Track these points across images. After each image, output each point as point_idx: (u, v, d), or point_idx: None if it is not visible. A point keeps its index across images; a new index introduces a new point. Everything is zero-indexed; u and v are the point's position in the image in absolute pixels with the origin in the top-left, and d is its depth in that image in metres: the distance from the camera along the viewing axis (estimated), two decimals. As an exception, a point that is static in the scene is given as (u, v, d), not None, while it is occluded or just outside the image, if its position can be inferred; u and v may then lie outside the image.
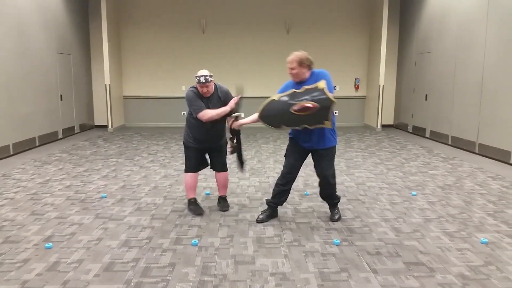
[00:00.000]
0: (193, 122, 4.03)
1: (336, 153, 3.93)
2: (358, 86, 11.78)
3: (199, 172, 5.28)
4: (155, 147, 8.20)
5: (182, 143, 4.27)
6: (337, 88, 11.52)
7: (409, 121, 10.52)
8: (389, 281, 2.84)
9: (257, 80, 11.28)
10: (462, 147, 8.02)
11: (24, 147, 7.65)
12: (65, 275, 2.91)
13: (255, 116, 3.77)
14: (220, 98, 4.00)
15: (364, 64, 11.74)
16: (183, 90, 11.04)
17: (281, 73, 3.77)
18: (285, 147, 4.03)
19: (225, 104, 3.97)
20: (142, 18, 11.25)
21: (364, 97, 11.87)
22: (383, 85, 10.72)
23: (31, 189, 5.10)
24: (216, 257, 3.21)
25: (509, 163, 6.60)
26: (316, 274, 2.94)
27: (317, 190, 4.95)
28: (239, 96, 3.95)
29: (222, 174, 4.27)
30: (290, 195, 4.31)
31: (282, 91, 3.72)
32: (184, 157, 4.33)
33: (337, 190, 4.04)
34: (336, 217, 4.00)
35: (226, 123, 4.05)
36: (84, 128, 10.57)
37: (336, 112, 11.53)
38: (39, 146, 8.18)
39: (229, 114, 3.98)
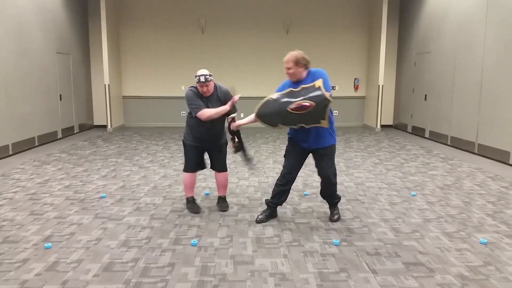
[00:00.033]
0: (193, 121, 4.04)
1: (336, 153, 3.93)
2: (357, 86, 11.78)
3: (199, 172, 5.27)
4: (154, 147, 8.20)
5: (182, 142, 4.27)
6: (337, 88, 11.54)
7: (409, 121, 10.52)
8: (388, 281, 2.84)
9: (256, 80, 11.29)
10: (461, 147, 8.03)
11: (23, 147, 7.65)
12: (64, 275, 2.90)
13: (252, 116, 3.78)
14: (219, 97, 4.01)
15: (363, 64, 11.74)
16: (182, 90, 11.04)
17: (281, 73, 3.77)
18: (285, 147, 4.03)
19: (224, 104, 3.98)
20: (141, 18, 11.25)
21: (363, 97, 11.88)
22: (382, 85, 10.73)
23: (30, 189, 5.10)
24: (216, 257, 3.21)
25: (509, 164, 6.61)
26: (316, 274, 2.94)
27: (317, 190, 4.97)
28: (238, 95, 3.95)
29: (221, 174, 4.27)
30: (289, 195, 4.31)
31: (279, 90, 3.73)
32: (183, 157, 4.33)
33: (336, 189, 4.04)
34: (336, 217, 4.00)
35: (226, 121, 4.06)
36: (84, 128, 10.56)
37: (335, 112, 11.62)
38: (38, 146, 8.17)
39: (228, 113, 4.00)
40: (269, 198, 4.05)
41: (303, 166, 4.03)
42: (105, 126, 10.82)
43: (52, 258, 3.16)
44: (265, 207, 4.11)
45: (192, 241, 3.46)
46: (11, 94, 7.27)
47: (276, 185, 3.95)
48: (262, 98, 3.76)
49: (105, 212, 4.24)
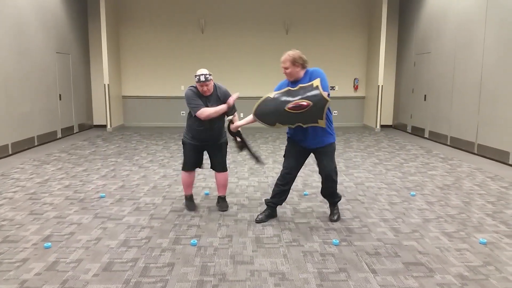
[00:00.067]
0: (192, 120, 4.06)
1: (336, 153, 3.93)
2: (357, 86, 11.79)
3: (199, 172, 5.27)
4: (154, 147, 8.20)
5: (181, 142, 4.28)
6: (336, 88, 11.55)
7: (408, 122, 10.53)
8: (388, 281, 2.84)
9: (256, 80, 11.29)
10: (461, 147, 8.03)
11: (23, 146, 7.65)
12: (64, 274, 2.90)
13: (251, 116, 3.79)
14: (219, 97, 4.02)
15: (363, 64, 11.75)
16: (182, 90, 11.04)
17: (280, 73, 3.77)
18: (284, 147, 4.03)
19: (223, 103, 3.98)
20: (141, 18, 11.25)
21: (363, 97, 11.88)
22: (382, 85, 10.73)
23: (30, 188, 5.10)
24: (215, 257, 3.21)
25: (508, 164, 6.61)
26: (315, 274, 2.94)
27: (316, 190, 4.97)
28: (237, 93, 3.96)
29: (221, 174, 4.27)
30: (289, 195, 4.31)
31: (277, 90, 3.74)
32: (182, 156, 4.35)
33: (337, 188, 4.04)
34: (335, 217, 4.00)
35: (225, 118, 4.07)
36: (83, 127, 10.56)
37: (335, 112, 11.62)
38: (38, 145, 8.17)
39: (227, 113, 4.01)
40: (269, 198, 4.05)
41: (303, 166, 4.03)
42: (104, 126, 10.82)
43: (52, 258, 3.15)
44: (264, 207, 4.11)
45: (191, 241, 3.46)
46: (11, 94, 7.27)
47: (276, 185, 3.95)
48: (261, 98, 3.76)
49: (104, 212, 4.24)
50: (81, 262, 3.10)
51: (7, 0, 7.19)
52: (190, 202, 4.39)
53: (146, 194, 4.91)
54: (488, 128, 7.19)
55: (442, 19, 8.82)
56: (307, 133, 3.69)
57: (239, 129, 3.99)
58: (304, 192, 4.94)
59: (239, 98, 4.03)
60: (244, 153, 4.19)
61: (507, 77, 6.67)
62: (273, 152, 7.57)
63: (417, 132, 9.98)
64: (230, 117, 4.01)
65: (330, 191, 3.94)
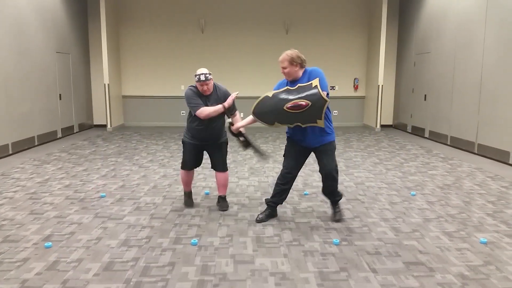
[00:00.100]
0: (192, 120, 4.07)
1: (336, 153, 3.92)
2: (357, 86, 11.79)
3: (199, 172, 5.28)
4: (154, 146, 8.20)
5: (181, 141, 4.29)
6: (336, 88, 11.55)
7: (408, 121, 10.53)
8: (388, 280, 2.84)
9: (256, 80, 11.29)
10: (461, 147, 8.03)
11: (23, 146, 7.65)
12: (65, 274, 2.90)
13: (250, 117, 3.79)
14: (218, 97, 4.04)
15: (363, 64, 11.75)
16: (182, 89, 11.04)
17: (280, 73, 3.77)
18: (284, 147, 4.02)
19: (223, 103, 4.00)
20: (141, 18, 11.25)
21: (363, 97, 11.88)
22: (382, 85, 10.74)
23: (30, 188, 5.09)
24: (216, 256, 3.21)
25: (508, 163, 6.61)
26: (316, 273, 2.94)
27: (316, 190, 4.98)
28: (236, 92, 3.96)
29: (222, 174, 4.27)
30: (289, 195, 4.31)
31: (276, 89, 3.74)
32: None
33: (337, 187, 4.03)
34: (337, 216, 3.99)
35: (226, 120, 4.07)
36: (83, 127, 10.56)
37: (335, 111, 11.61)
38: (38, 145, 8.17)
39: (228, 112, 4.02)
40: (269, 198, 4.05)
41: (303, 166, 4.03)
42: (104, 126, 10.82)
43: (52, 258, 3.15)
44: (265, 206, 4.11)
45: (192, 241, 3.46)
46: (11, 94, 7.27)
47: (277, 184, 3.95)
48: (260, 97, 3.76)
49: (105, 212, 4.24)
50: (82, 261, 3.10)
51: (7, 0, 7.19)
52: (188, 199, 4.47)
53: (146, 193, 4.91)
54: (488, 127, 7.19)
55: (442, 19, 8.82)
56: (306, 132, 3.69)
57: (241, 129, 3.98)
58: (305, 192, 4.94)
59: (239, 98, 4.03)
60: (249, 151, 4.18)
61: (507, 77, 6.67)
62: (273, 152, 7.56)
63: (417, 132, 9.98)
64: (230, 120, 4.02)
65: (330, 190, 3.93)
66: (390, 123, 11.61)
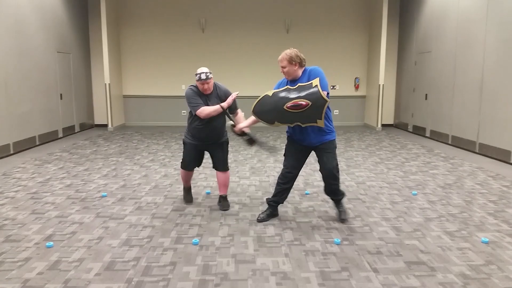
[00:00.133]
0: (193, 119, 4.07)
1: (337, 152, 3.92)
2: (358, 85, 11.78)
3: (200, 171, 5.28)
4: (155, 146, 8.20)
5: (182, 141, 4.29)
6: (337, 87, 11.55)
7: (409, 121, 10.52)
8: (389, 280, 2.84)
9: (257, 79, 11.29)
10: (462, 146, 8.02)
11: (24, 146, 7.65)
12: (66, 274, 2.91)
13: (252, 118, 3.79)
14: (219, 96, 4.05)
15: (364, 64, 11.74)
16: (183, 89, 11.04)
17: (281, 73, 3.77)
18: (284, 146, 4.02)
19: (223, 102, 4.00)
20: (141, 17, 11.25)
21: (364, 97, 11.88)
22: (383, 85, 10.73)
23: (31, 188, 5.10)
24: (217, 256, 3.21)
25: (509, 163, 6.60)
26: (317, 273, 2.94)
27: (317, 189, 4.98)
28: (236, 93, 3.96)
29: (223, 173, 4.27)
30: (290, 194, 4.31)
31: (276, 88, 3.73)
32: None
33: (339, 186, 4.02)
34: (343, 216, 3.95)
35: (228, 123, 4.07)
36: (84, 127, 10.57)
37: (336, 111, 11.60)
38: (39, 145, 8.17)
39: (230, 110, 4.03)
40: (270, 197, 4.05)
41: (304, 166, 4.02)
42: (105, 125, 10.82)
43: (54, 257, 3.16)
44: (266, 206, 4.11)
45: (193, 240, 3.47)
46: (12, 94, 7.27)
47: (277, 183, 3.95)
48: (260, 96, 3.76)
49: (106, 211, 4.24)
50: (83, 261, 3.10)
51: (8, 0, 7.19)
52: (187, 195, 4.56)
53: (147, 193, 4.91)
54: (489, 127, 7.18)
55: (443, 18, 8.81)
56: (306, 132, 3.69)
57: (244, 129, 3.97)
58: (306, 191, 4.94)
59: (239, 97, 4.03)
60: (255, 147, 4.18)
61: (507, 76, 6.66)
62: (274, 151, 7.56)
63: (418, 131, 9.97)
64: (232, 122, 4.01)
65: (332, 189, 3.91)
66: (391, 122, 11.60)
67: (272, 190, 4.43)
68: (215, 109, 3.91)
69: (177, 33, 11.31)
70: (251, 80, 11.30)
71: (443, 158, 7.10)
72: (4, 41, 7.07)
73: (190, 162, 4.27)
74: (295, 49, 3.63)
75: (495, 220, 4.02)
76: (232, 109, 4.11)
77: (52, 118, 8.81)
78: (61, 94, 9.23)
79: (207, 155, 4.35)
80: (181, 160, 4.39)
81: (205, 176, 5.64)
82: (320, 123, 3.53)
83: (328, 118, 3.68)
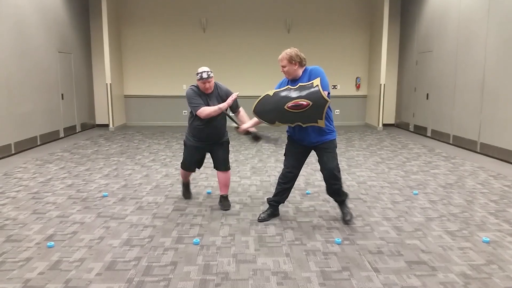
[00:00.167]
0: (193, 120, 4.08)
1: (338, 152, 3.92)
2: (359, 85, 11.77)
3: (201, 171, 5.28)
4: (156, 146, 8.21)
5: (183, 142, 4.30)
6: (338, 87, 11.54)
7: (411, 120, 10.51)
8: (390, 280, 2.83)
9: (257, 79, 11.29)
10: (463, 146, 8.01)
11: (25, 146, 7.66)
12: (67, 273, 2.91)
13: (255, 119, 3.79)
14: (220, 95, 4.05)
15: (365, 63, 11.73)
16: (184, 89, 11.05)
17: (281, 73, 3.77)
18: (285, 146, 4.02)
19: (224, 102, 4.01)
20: (143, 17, 11.26)
21: (365, 96, 11.87)
22: (384, 84, 10.71)
23: (32, 188, 5.11)
24: (218, 256, 3.21)
25: (511, 162, 6.59)
26: (318, 273, 2.94)
27: (318, 189, 4.98)
28: (237, 93, 3.96)
29: (224, 173, 4.27)
30: (291, 194, 4.31)
31: (277, 88, 3.73)
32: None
33: (342, 186, 4.01)
34: (348, 217, 3.92)
35: (232, 125, 4.07)
36: (85, 127, 10.58)
37: (337, 111, 11.60)
38: (40, 145, 8.19)
39: (232, 109, 4.07)
40: (271, 197, 4.05)
41: (304, 165, 4.02)
42: (107, 125, 10.83)
43: (55, 257, 3.16)
44: (267, 206, 4.11)
45: (194, 240, 3.47)
46: (13, 94, 7.29)
47: (278, 183, 3.95)
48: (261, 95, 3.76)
49: (107, 211, 4.25)
50: (84, 261, 3.10)
51: (9, 0, 7.20)
52: (186, 190, 4.64)
53: (148, 193, 4.91)
54: (491, 126, 7.17)
55: (444, 18, 8.80)
56: (306, 131, 3.69)
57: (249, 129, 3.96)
58: (307, 191, 4.94)
59: (240, 97, 4.03)
60: (261, 143, 4.20)
61: (509, 75, 6.65)
62: (275, 151, 7.56)
63: (420, 130, 9.96)
64: (235, 125, 4.00)
65: (334, 189, 3.88)
66: (392, 122, 11.59)
67: (273, 190, 4.43)
68: (215, 110, 3.91)
69: (178, 32, 11.32)
70: (252, 80, 11.30)
71: (444, 157, 7.10)
72: (5, 41, 7.08)
73: (191, 164, 4.31)
74: (295, 49, 3.63)
75: (496, 220, 4.01)
76: (234, 108, 4.12)
77: (53, 118, 8.82)
78: (62, 94, 9.25)
79: (207, 154, 4.34)
80: (181, 161, 4.40)
81: (206, 176, 5.64)
82: (321, 123, 3.53)
83: (328, 118, 3.67)
